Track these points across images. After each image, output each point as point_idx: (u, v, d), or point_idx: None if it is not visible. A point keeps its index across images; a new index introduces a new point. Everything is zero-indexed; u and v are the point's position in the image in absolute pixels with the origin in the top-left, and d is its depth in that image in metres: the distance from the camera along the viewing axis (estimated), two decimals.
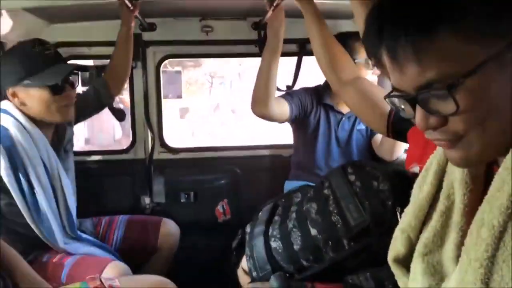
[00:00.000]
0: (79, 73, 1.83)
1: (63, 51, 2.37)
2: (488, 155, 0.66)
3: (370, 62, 2.13)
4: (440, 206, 0.76)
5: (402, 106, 0.69)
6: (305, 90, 2.32)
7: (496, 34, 0.59)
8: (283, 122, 2.26)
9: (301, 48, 2.57)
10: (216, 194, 2.62)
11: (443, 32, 0.59)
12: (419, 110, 0.65)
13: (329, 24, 2.44)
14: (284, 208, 1.49)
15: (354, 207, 1.23)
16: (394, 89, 0.69)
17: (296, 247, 1.32)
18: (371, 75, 2.17)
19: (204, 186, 2.61)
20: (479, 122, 0.61)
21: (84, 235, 1.85)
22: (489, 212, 0.62)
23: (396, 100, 0.70)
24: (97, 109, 2.13)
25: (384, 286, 1.16)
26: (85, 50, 2.45)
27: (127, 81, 2.29)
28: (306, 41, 2.48)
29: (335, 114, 2.28)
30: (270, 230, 1.43)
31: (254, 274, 1.42)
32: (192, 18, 2.44)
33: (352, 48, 2.14)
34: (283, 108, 2.13)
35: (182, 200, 2.58)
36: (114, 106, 2.18)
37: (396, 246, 0.84)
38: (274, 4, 1.86)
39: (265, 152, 2.74)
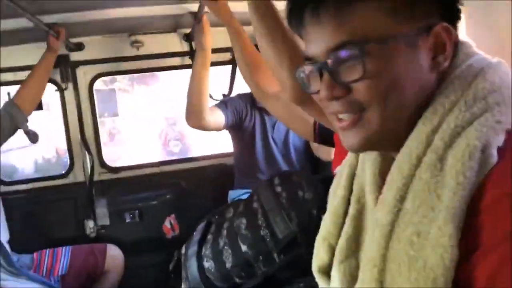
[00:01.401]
0: None
1: None
2: (386, 135, 0.66)
3: None
4: (351, 210, 0.75)
5: (309, 81, 0.71)
6: (240, 96, 2.36)
7: (411, 17, 0.63)
8: (219, 130, 2.28)
9: (234, 56, 2.58)
10: (162, 210, 2.58)
11: (366, 1, 0.63)
12: (325, 80, 0.65)
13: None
14: (217, 226, 1.49)
15: (280, 219, 1.24)
16: (306, 58, 0.70)
17: (228, 265, 1.32)
18: None
19: (149, 203, 2.56)
20: (381, 94, 0.63)
21: (24, 270, 1.76)
22: (381, 211, 0.65)
23: (304, 73, 0.71)
24: (11, 134, 2.04)
25: None
26: (10, 77, 2.34)
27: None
28: None
29: (270, 117, 2.31)
30: (203, 250, 1.42)
31: None
32: (120, 34, 2.40)
33: None
34: (218, 118, 2.15)
35: (127, 220, 2.52)
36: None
37: (319, 255, 0.81)
38: (197, 16, 1.86)
39: (208, 162, 2.73)
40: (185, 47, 2.50)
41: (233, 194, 2.32)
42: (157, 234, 2.54)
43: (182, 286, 1.52)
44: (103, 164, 2.57)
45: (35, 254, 2.01)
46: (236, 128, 2.28)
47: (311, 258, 0.91)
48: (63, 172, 2.57)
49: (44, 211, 2.45)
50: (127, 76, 4.16)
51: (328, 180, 1.27)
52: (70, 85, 2.41)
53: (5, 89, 2.55)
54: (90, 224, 2.45)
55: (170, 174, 2.66)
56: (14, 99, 2.02)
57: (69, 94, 2.43)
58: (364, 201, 0.73)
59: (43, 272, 1.93)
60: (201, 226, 1.54)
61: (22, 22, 1.75)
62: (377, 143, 0.68)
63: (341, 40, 0.63)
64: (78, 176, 2.53)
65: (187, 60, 2.51)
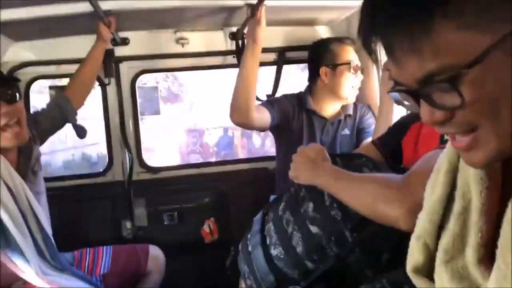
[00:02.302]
0: (17, 86, 1.63)
1: (29, 70, 2.27)
2: (507, 148, 0.61)
3: (351, 66, 2.11)
4: (457, 206, 0.70)
5: (406, 101, 0.66)
6: (286, 96, 2.27)
7: (498, 19, 0.54)
8: (263, 130, 2.22)
9: (280, 57, 2.50)
10: (202, 213, 2.49)
11: (441, 20, 0.55)
12: (423, 105, 0.61)
13: (307, 31, 2.49)
14: (276, 215, 1.40)
15: None
16: (395, 83, 0.65)
17: (299, 249, 1.24)
18: (353, 77, 2.12)
19: (188, 205, 2.49)
20: (489, 113, 0.57)
21: (69, 266, 1.69)
22: None
23: (399, 96, 0.67)
24: (61, 126, 2.01)
25: None
26: (52, 69, 2.32)
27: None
28: (285, 49, 2.48)
29: (319, 120, 2.21)
30: (268, 239, 1.34)
31: None
32: (166, 30, 2.35)
33: (333, 52, 2.13)
34: (264, 116, 2.06)
35: (165, 222, 2.45)
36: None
37: (414, 255, 0.78)
38: (255, 9, 1.80)
39: (250, 165, 2.65)
40: (230, 46, 2.43)
41: None
42: (196, 237, 2.46)
43: (241, 284, 1.44)
44: (142, 163, 2.50)
45: (75, 252, 1.96)
46: (282, 129, 2.18)
47: (384, 240, 0.99)
48: (101, 170, 2.52)
49: (80, 210, 2.40)
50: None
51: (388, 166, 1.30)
52: (113, 81, 2.36)
53: (46, 82, 2.56)
54: (127, 224, 2.39)
55: (210, 176, 2.57)
56: (64, 92, 1.99)
57: (111, 90, 2.39)
58: (470, 197, 0.69)
59: (84, 270, 1.88)
60: (258, 217, 1.45)
61: (67, 9, 1.71)
62: (502, 156, 0.62)
63: (425, 74, 0.58)
64: (116, 175, 2.47)
65: (230, 60, 2.44)
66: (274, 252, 1.30)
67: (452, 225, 0.71)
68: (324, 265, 1.20)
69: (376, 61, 0.67)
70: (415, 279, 0.79)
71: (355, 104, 2.26)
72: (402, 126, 1.49)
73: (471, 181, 0.69)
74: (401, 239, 1.02)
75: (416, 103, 0.63)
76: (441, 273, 0.71)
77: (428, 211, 0.76)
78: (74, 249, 1.98)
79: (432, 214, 0.74)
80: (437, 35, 0.55)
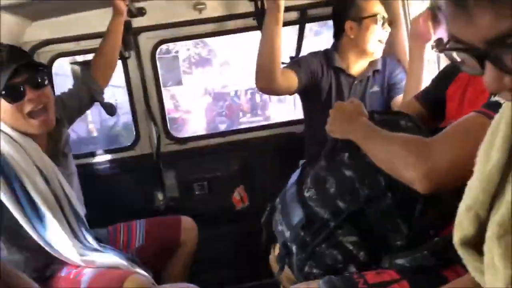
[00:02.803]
0: (44, 70, 1.61)
1: (50, 48, 2.26)
2: None
3: (378, 18, 1.99)
4: None
5: (461, 59, 0.57)
6: (313, 54, 2.16)
7: None
8: (292, 94, 2.14)
9: (303, 15, 2.39)
10: (231, 182, 2.48)
11: None
12: (490, 69, 0.53)
13: None
14: (313, 165, 1.40)
15: None
16: (453, 38, 0.56)
17: (332, 190, 1.24)
18: (380, 30, 2.01)
19: (217, 174, 2.48)
20: None
21: (102, 245, 1.71)
22: None
23: (456, 55, 0.58)
24: (89, 106, 2.00)
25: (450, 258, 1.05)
26: (72, 46, 2.30)
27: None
28: (308, 6, 2.37)
29: (347, 78, 2.12)
30: (303, 185, 1.35)
31: (287, 234, 1.30)
32: None
33: (358, 5, 2.03)
34: (291, 79, 1.98)
35: (196, 192, 2.45)
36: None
37: (463, 226, 0.71)
38: None
39: (277, 131, 2.58)
40: (249, 8, 2.33)
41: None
42: (227, 205, 2.46)
43: (273, 252, 1.45)
44: (169, 135, 2.49)
45: (110, 228, 1.98)
46: (310, 90, 2.10)
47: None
48: (129, 144, 2.53)
49: (112, 185, 2.43)
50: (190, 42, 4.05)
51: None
52: (133, 54, 2.32)
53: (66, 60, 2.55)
54: (159, 196, 2.41)
55: (237, 143, 2.54)
56: (90, 71, 1.97)
57: (132, 62, 2.35)
58: None
59: (120, 246, 1.90)
60: (297, 171, 1.46)
61: None
62: None
63: (499, 32, 0.50)
64: (144, 148, 2.47)
65: (251, 22, 2.35)
66: (307, 194, 1.30)
67: (509, 196, 0.64)
68: (355, 205, 1.20)
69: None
70: (463, 252, 0.73)
71: (383, 59, 2.15)
72: (448, 74, 1.39)
73: None
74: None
75: (478, 65, 0.55)
76: (492, 248, 0.65)
77: (482, 179, 0.69)
78: (108, 223, 2.00)
79: (487, 183, 0.67)
80: None
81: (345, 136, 1.27)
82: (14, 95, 1.51)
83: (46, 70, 1.65)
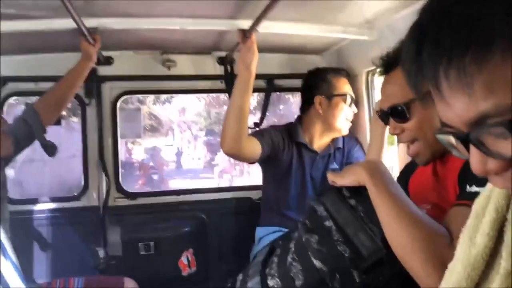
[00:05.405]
0: None
1: (9, 87, 2.16)
2: None
3: (347, 98, 2.06)
4: (505, 266, 0.60)
5: (454, 143, 0.56)
6: (275, 128, 2.18)
7: None
8: (253, 162, 2.11)
9: (269, 84, 2.44)
10: (180, 244, 2.36)
11: (498, 52, 0.45)
12: (473, 153, 0.52)
13: (298, 59, 2.44)
14: (283, 248, 1.30)
15: (364, 234, 1.06)
16: (442, 124, 0.55)
17: (298, 282, 1.13)
18: (348, 109, 2.07)
19: (166, 235, 2.35)
20: None
21: None
22: None
23: (447, 140, 0.56)
24: (27, 144, 1.85)
25: None
26: (31, 86, 2.20)
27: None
28: (274, 76, 2.42)
29: (309, 153, 2.14)
30: (267, 270, 1.25)
31: None
32: (153, 51, 2.27)
33: (329, 83, 2.08)
34: (255, 147, 1.97)
35: (141, 252, 2.30)
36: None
37: None
38: (247, 35, 1.72)
39: (233, 194, 2.53)
40: (217, 71, 2.36)
41: (261, 232, 2.11)
42: (173, 269, 2.32)
43: None
44: (119, 188, 2.38)
45: (44, 283, 1.80)
46: (271, 161, 2.09)
47: (394, 281, 0.90)
48: (75, 194, 2.38)
49: (52, 236, 2.25)
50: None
51: None
52: (93, 101, 2.26)
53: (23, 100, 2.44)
54: (100, 253, 2.24)
55: (191, 204, 2.45)
56: (34, 105, 1.84)
57: (91, 110, 2.28)
58: None
59: None
60: (263, 251, 1.37)
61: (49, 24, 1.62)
62: None
63: (477, 115, 0.48)
64: (91, 199, 2.34)
65: (217, 84, 2.37)
66: (271, 283, 1.21)
67: (497, 285, 0.60)
68: None
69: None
70: None
71: (342, 137, 2.20)
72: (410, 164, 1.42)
73: None
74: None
75: (465, 149, 0.53)
76: None
77: (465, 265, 0.65)
78: (45, 276, 1.83)
79: (471, 270, 0.64)
80: (494, 70, 0.46)
81: (358, 178, 1.11)
82: None
83: None
